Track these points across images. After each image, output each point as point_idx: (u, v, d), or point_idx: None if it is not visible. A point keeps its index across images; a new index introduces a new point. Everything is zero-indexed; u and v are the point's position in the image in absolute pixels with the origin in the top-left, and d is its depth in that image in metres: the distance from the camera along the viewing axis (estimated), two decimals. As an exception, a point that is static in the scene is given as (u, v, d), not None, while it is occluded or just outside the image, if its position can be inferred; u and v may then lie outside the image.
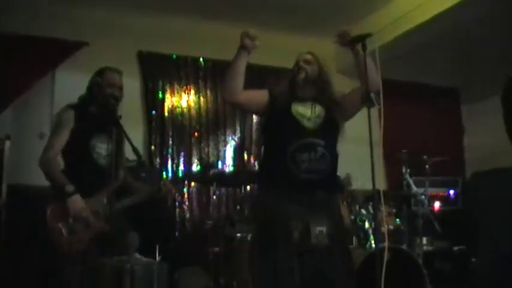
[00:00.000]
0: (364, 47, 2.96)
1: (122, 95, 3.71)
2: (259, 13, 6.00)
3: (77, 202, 3.37)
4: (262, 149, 3.36)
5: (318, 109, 3.15)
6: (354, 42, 3.01)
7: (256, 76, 6.35)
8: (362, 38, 2.96)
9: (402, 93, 7.31)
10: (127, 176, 3.85)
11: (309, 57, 3.23)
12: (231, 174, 6.11)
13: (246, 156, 6.45)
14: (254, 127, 6.52)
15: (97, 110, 3.65)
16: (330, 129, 3.14)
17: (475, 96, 7.82)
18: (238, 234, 4.83)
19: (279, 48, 5.87)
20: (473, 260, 5.96)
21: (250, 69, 6.29)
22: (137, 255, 3.61)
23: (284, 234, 2.88)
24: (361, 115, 3.10)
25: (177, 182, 5.12)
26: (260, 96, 3.24)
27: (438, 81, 7.69)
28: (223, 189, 6.16)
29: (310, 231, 2.87)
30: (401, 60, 6.58)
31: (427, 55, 6.58)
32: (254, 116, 6.44)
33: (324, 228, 2.89)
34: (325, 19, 6.11)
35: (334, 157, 3.10)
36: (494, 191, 7.29)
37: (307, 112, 3.11)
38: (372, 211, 4.80)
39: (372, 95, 2.85)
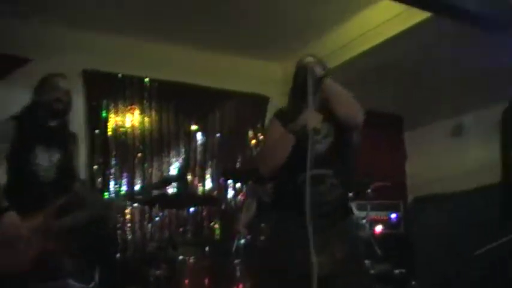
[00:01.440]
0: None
1: (69, 99, 3.59)
2: (208, 34, 6.02)
3: (9, 220, 3.17)
4: None
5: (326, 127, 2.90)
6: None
7: (204, 98, 6.38)
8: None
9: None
10: (81, 189, 3.71)
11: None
12: (175, 195, 6.03)
13: (190, 177, 6.40)
14: (199, 148, 6.49)
15: (42, 118, 3.51)
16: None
17: (417, 123, 8.01)
18: (181, 257, 4.76)
19: (226, 70, 5.89)
20: (413, 283, 6.04)
21: (198, 90, 6.43)
22: (71, 282, 3.45)
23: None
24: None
25: (127, 201, 5.00)
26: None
27: (382, 108, 7.84)
28: (166, 211, 6.07)
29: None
30: (346, 86, 6.67)
31: (372, 82, 6.70)
32: (199, 137, 6.45)
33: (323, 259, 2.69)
34: (273, 43, 6.18)
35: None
36: (433, 216, 7.46)
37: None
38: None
39: (317, 126, 2.73)
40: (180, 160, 6.39)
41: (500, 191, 2.84)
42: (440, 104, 7.27)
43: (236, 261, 4.59)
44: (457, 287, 6.23)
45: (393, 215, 6.88)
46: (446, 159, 7.38)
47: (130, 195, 5.90)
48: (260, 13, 5.61)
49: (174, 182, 5.39)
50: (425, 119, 7.75)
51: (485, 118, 6.36)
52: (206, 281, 4.56)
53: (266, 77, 6.62)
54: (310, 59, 2.99)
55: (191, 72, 6.31)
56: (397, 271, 6.22)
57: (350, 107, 2.88)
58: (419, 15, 4.96)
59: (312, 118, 2.72)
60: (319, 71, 2.88)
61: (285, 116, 2.91)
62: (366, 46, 5.77)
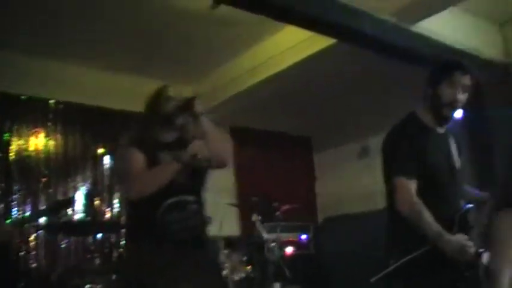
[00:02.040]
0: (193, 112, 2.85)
1: None
2: (115, 56, 5.92)
3: None
4: None
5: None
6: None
7: (111, 120, 6.25)
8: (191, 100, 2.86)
9: (258, 141, 7.51)
10: None
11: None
12: (81, 222, 5.85)
13: (97, 203, 6.22)
14: (106, 173, 6.33)
15: None
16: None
17: (326, 145, 8.19)
18: (88, 286, 4.60)
19: (134, 92, 5.78)
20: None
21: (105, 112, 6.28)
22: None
23: None
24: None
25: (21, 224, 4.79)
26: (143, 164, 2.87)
27: (292, 130, 7.97)
28: (72, 238, 5.86)
29: None
30: (257, 109, 6.77)
31: (281, 105, 6.81)
32: (107, 161, 6.30)
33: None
34: (182, 65, 6.16)
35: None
36: (343, 236, 7.61)
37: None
38: (223, 259, 4.81)
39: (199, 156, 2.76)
40: (87, 184, 6.20)
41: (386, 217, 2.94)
42: (348, 127, 7.48)
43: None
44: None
45: (303, 236, 6.95)
46: (355, 180, 7.57)
47: (33, 221, 5.66)
48: (170, 36, 5.60)
49: (63, 207, 5.22)
50: (334, 141, 7.95)
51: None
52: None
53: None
54: (171, 91, 3.00)
55: (98, 94, 6.17)
56: (307, 293, 6.29)
57: (222, 146, 2.93)
58: (326, 40, 5.09)
59: (201, 148, 2.79)
60: (199, 107, 2.90)
61: (146, 144, 2.89)
62: (274, 70, 5.86)
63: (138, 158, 2.82)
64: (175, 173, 2.76)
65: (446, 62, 2.89)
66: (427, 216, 2.61)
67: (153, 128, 2.95)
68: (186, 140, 2.91)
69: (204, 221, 3.00)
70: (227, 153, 2.98)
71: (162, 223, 2.77)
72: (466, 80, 2.79)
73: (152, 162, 2.83)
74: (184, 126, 2.94)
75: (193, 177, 2.91)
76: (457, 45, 5.16)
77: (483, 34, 5.55)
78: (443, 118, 2.86)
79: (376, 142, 7.48)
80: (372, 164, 7.40)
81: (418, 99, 2.95)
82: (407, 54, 4.95)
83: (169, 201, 2.80)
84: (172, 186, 2.79)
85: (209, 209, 4.04)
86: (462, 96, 2.81)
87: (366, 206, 7.06)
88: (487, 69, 5.41)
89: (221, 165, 2.93)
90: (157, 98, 2.98)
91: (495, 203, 2.82)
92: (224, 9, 4.41)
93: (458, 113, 2.99)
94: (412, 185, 2.70)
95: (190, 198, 2.88)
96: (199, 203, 2.94)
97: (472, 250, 2.59)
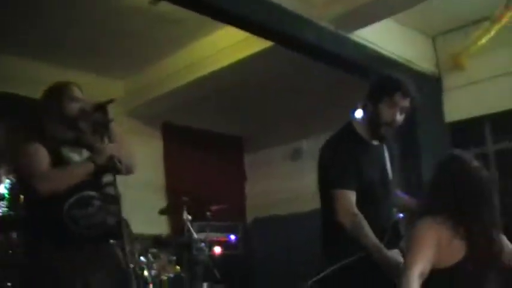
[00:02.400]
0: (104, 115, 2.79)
1: None
2: (49, 47, 5.75)
3: None
4: None
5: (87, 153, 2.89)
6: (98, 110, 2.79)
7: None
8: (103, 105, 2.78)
9: (189, 139, 7.46)
10: None
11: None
12: (3, 217, 5.64)
13: (22, 198, 5.98)
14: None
15: None
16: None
17: (257, 146, 8.21)
18: (9, 284, 4.44)
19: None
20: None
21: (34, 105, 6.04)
22: None
23: None
24: (144, 159, 2.98)
25: None
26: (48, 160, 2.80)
27: (223, 129, 7.94)
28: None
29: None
30: (190, 107, 6.72)
31: (215, 104, 6.79)
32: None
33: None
34: (117, 60, 6.05)
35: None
36: (272, 236, 7.67)
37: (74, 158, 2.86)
38: (152, 259, 4.75)
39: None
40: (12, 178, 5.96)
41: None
42: (281, 128, 7.53)
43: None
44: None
45: (232, 236, 6.96)
46: (286, 182, 7.63)
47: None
48: (108, 29, 5.47)
49: None
50: (266, 142, 7.98)
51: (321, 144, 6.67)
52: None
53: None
54: (75, 91, 2.91)
55: (28, 85, 5.95)
56: (233, 293, 6.29)
57: (131, 153, 2.97)
58: (264, 42, 5.10)
59: (118, 151, 2.79)
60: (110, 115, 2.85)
61: (51, 143, 2.80)
62: (209, 69, 5.85)
63: (44, 154, 2.75)
64: (88, 174, 2.73)
65: (389, 80, 2.88)
66: (367, 230, 2.68)
67: (53, 123, 2.87)
68: (85, 141, 2.88)
69: (111, 217, 2.91)
70: (135, 160, 2.98)
71: (68, 220, 2.71)
72: (406, 103, 2.83)
73: (56, 158, 2.78)
74: (85, 131, 2.88)
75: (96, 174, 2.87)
76: (392, 56, 5.30)
77: (417, 46, 5.72)
78: (380, 136, 2.91)
79: (309, 144, 7.64)
80: (303, 166, 7.49)
81: (351, 106, 3.01)
82: (343, 62, 5.03)
83: (74, 197, 2.74)
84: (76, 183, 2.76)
85: (135, 207, 4.01)
86: (400, 118, 2.85)
87: (295, 208, 7.14)
88: (418, 80, 5.58)
89: (130, 171, 2.92)
90: (60, 95, 2.89)
91: (418, 210, 2.92)
92: (164, 6, 4.36)
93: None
94: (353, 197, 2.76)
95: (94, 193, 2.82)
96: (104, 199, 2.88)
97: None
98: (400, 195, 3.19)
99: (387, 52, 5.25)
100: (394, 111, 2.82)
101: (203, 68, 5.92)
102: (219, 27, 5.46)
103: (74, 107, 2.85)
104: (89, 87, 3.09)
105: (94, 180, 2.84)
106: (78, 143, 2.88)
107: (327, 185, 2.86)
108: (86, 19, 5.29)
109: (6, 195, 5.88)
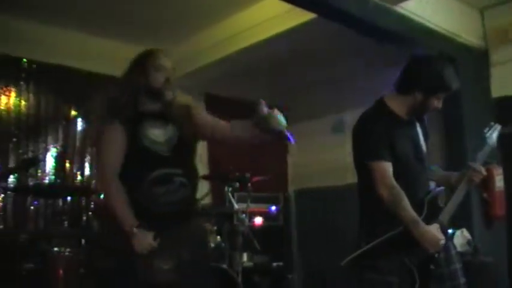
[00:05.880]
0: None
1: None
2: (91, 18, 5.81)
3: None
4: None
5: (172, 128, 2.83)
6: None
7: (86, 82, 6.14)
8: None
9: (231, 111, 7.43)
10: None
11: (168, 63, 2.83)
12: (51, 184, 5.79)
13: (68, 166, 6.14)
14: (78, 135, 6.24)
15: None
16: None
17: (301, 117, 8.18)
18: (56, 249, 4.54)
19: (110, 55, 5.74)
20: (289, 276, 6.20)
21: (79, 74, 6.15)
22: None
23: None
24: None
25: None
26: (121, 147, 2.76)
27: (267, 101, 7.91)
28: (41, 200, 5.77)
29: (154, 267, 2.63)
30: (233, 78, 6.73)
31: (258, 75, 6.78)
32: (79, 124, 6.22)
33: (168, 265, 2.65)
34: (160, 30, 6.06)
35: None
36: (312, 208, 7.68)
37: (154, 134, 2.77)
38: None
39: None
40: (58, 146, 6.11)
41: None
42: (323, 100, 7.49)
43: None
44: (331, 280, 6.46)
45: (273, 207, 7.00)
46: (327, 153, 7.60)
47: (2, 181, 5.56)
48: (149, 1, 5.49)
49: (31, 165, 5.15)
50: (308, 114, 7.93)
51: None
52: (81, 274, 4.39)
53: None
54: (162, 59, 2.85)
55: (72, 55, 6.05)
56: (275, 264, 6.36)
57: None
58: (307, 14, 5.04)
59: None
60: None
61: (125, 115, 2.78)
62: (253, 40, 5.80)
63: (119, 140, 2.72)
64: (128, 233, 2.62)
65: (447, 80, 2.86)
66: (406, 202, 2.69)
67: (136, 96, 2.79)
68: (171, 114, 2.83)
69: (192, 195, 2.89)
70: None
71: (148, 196, 2.67)
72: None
73: (133, 138, 2.74)
74: (169, 103, 2.82)
75: (179, 150, 2.82)
76: (438, 28, 5.18)
77: (464, 19, 5.57)
78: (419, 117, 3.01)
79: (351, 117, 7.56)
80: (344, 138, 7.44)
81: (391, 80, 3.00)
82: (388, 34, 4.94)
83: (155, 174, 2.69)
84: (157, 160, 2.73)
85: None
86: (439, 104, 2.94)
87: (336, 180, 7.12)
88: (465, 53, 5.46)
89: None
90: (144, 64, 2.81)
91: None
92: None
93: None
94: (390, 168, 2.76)
95: (177, 171, 2.76)
96: (187, 176, 2.81)
97: (443, 242, 2.68)
98: (438, 169, 3.20)
99: (433, 25, 5.12)
100: (439, 104, 2.91)
101: (246, 39, 5.88)
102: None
103: (159, 77, 2.77)
104: (130, 58, 3.03)
105: (177, 157, 2.79)
106: (163, 117, 2.82)
107: (363, 157, 2.87)
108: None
109: (53, 164, 6.04)
